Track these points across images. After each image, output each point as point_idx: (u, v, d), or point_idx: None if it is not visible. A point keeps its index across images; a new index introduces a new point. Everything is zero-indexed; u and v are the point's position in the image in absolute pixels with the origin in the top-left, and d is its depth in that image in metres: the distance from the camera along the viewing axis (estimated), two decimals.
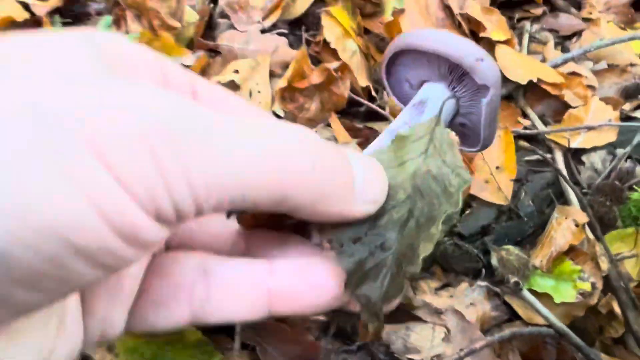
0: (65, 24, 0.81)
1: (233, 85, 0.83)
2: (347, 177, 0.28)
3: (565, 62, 0.98)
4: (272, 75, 0.87)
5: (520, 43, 1.07)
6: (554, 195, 0.81)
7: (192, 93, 0.30)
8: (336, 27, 0.90)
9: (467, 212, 0.79)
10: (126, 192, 0.20)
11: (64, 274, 0.21)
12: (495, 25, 1.01)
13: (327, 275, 0.30)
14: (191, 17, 0.93)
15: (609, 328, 0.69)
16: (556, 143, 0.87)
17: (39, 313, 0.24)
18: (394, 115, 0.79)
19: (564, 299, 0.69)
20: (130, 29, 0.84)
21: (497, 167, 0.81)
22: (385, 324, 0.67)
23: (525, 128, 0.91)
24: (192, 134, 0.22)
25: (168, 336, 0.60)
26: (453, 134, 0.39)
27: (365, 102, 0.88)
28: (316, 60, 0.91)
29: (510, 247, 0.74)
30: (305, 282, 0.30)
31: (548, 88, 0.94)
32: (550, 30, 1.11)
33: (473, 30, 1.01)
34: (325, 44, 0.89)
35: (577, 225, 0.74)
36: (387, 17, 0.99)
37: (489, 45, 1.00)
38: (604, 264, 0.70)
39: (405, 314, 0.69)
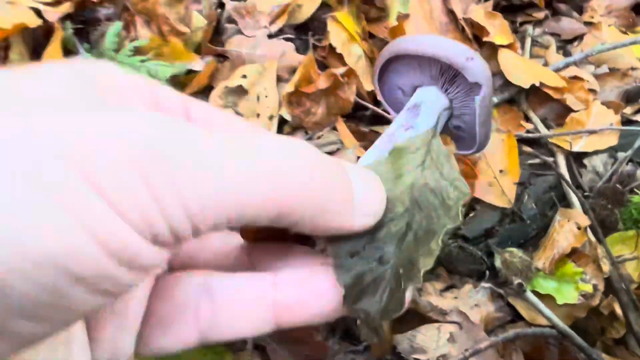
0: (76, 30, 0.82)
1: (241, 90, 0.85)
2: (346, 190, 0.28)
3: (567, 66, 0.99)
4: (279, 79, 0.88)
5: (522, 47, 1.08)
6: (556, 199, 0.82)
7: (185, 114, 0.30)
8: (342, 32, 0.92)
9: (471, 214, 0.81)
10: (121, 218, 0.20)
11: (65, 303, 0.20)
12: (498, 30, 1.02)
13: (331, 283, 0.30)
14: (199, 22, 0.94)
15: (610, 329, 0.71)
16: (558, 146, 0.88)
17: (45, 343, 0.24)
18: None
19: (567, 300, 0.70)
20: (139, 35, 0.86)
21: (501, 171, 0.82)
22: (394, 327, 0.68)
23: (528, 132, 0.92)
24: (183, 156, 0.22)
25: None
26: (452, 147, 0.40)
27: (371, 106, 0.89)
28: (322, 65, 0.93)
29: (513, 249, 0.75)
30: (309, 291, 0.30)
31: (550, 92, 0.95)
32: (552, 34, 1.13)
33: (476, 35, 1.02)
34: (331, 48, 0.91)
35: (579, 228, 0.75)
36: (392, 21, 1.01)
37: (492, 50, 1.01)
38: (606, 266, 0.72)
39: (415, 317, 0.71)
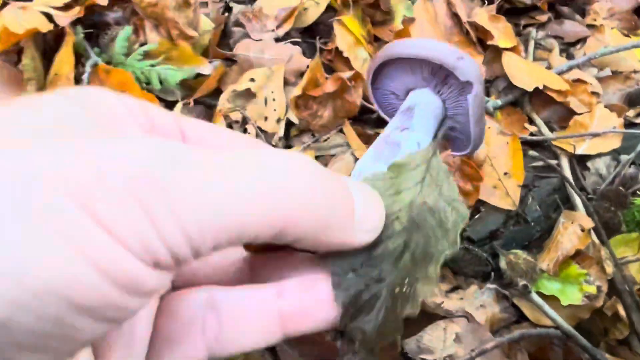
0: (85, 35, 0.83)
1: (249, 94, 0.86)
2: (348, 206, 0.28)
3: (570, 69, 1.01)
4: (286, 83, 0.90)
5: (526, 50, 1.09)
6: (560, 201, 0.83)
7: (180, 133, 0.30)
8: (348, 36, 0.93)
9: (476, 216, 0.82)
10: (122, 245, 0.20)
11: (70, 333, 0.20)
12: (501, 33, 1.03)
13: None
14: (206, 25, 0.95)
15: (613, 330, 0.72)
16: (562, 149, 0.90)
17: None
18: None
19: (571, 301, 0.71)
20: (148, 39, 0.87)
21: (505, 173, 0.83)
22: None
23: (532, 134, 0.93)
24: (180, 180, 0.22)
25: None
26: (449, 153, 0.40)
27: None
28: (328, 68, 0.94)
29: (518, 251, 0.76)
30: (314, 298, 0.30)
31: (554, 95, 0.96)
32: (555, 37, 1.14)
33: (480, 38, 1.03)
34: (338, 52, 0.92)
35: (583, 230, 0.76)
36: (397, 24, 1.02)
37: (496, 53, 1.02)
38: (609, 268, 0.73)
39: (422, 317, 0.72)
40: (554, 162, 0.87)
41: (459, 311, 0.73)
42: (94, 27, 0.89)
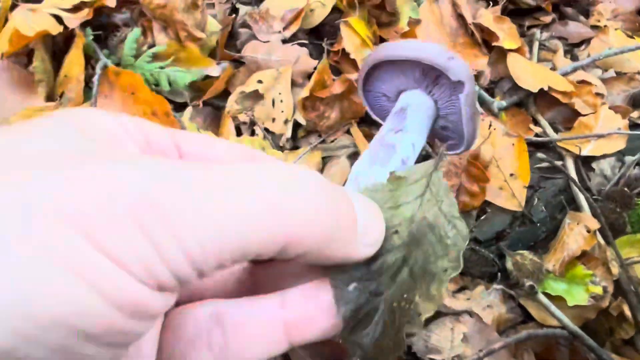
0: (95, 37, 0.84)
1: (257, 95, 0.87)
2: (351, 219, 0.28)
3: (574, 70, 1.01)
4: (294, 84, 0.90)
5: (530, 51, 1.10)
6: (565, 202, 0.84)
7: (175, 148, 0.30)
8: (355, 37, 0.93)
9: (483, 217, 0.82)
10: (125, 271, 0.20)
11: None
12: (506, 34, 1.04)
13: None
14: (213, 26, 0.96)
15: (619, 330, 0.73)
16: (567, 150, 0.90)
17: None
18: None
19: (577, 302, 0.72)
20: (156, 40, 0.87)
21: (511, 175, 0.84)
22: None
23: (537, 135, 0.94)
24: (179, 202, 0.21)
25: None
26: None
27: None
28: (335, 69, 0.94)
29: (524, 252, 0.77)
30: (318, 306, 0.29)
31: (558, 96, 0.97)
32: (559, 38, 1.14)
33: (485, 39, 1.04)
34: (344, 53, 0.92)
35: (588, 231, 0.77)
36: (402, 25, 1.02)
37: (501, 54, 1.03)
38: (615, 269, 0.74)
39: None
40: (559, 163, 0.88)
41: (466, 311, 0.74)
42: (102, 29, 0.89)
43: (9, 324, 0.18)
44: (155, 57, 0.83)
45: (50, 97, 0.79)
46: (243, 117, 0.85)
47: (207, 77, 0.86)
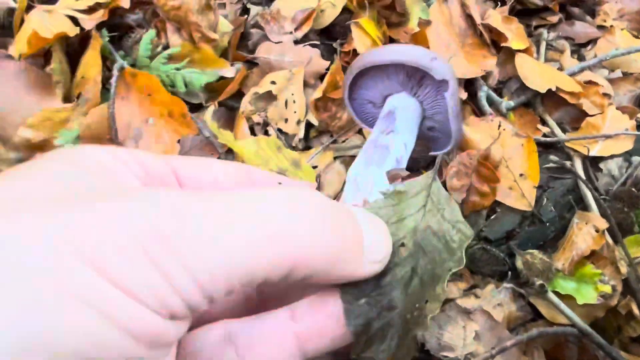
0: (110, 38, 0.85)
1: (270, 96, 0.88)
2: (357, 237, 0.29)
3: (582, 70, 1.02)
4: (306, 85, 0.91)
5: (537, 51, 1.11)
6: (573, 201, 0.85)
7: (173, 174, 0.31)
8: (365, 38, 0.94)
9: (493, 217, 0.84)
10: (138, 303, 0.21)
11: None
12: (514, 34, 1.05)
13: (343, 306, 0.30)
14: (224, 27, 0.97)
15: (627, 327, 0.74)
16: (575, 150, 0.91)
17: None
18: None
19: (586, 300, 0.74)
20: (170, 41, 0.88)
21: (521, 175, 0.85)
22: None
23: (545, 135, 0.95)
24: (186, 233, 0.22)
25: None
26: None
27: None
28: (345, 70, 0.95)
29: (534, 251, 0.79)
30: (327, 317, 0.30)
31: (566, 96, 0.98)
32: (566, 38, 1.15)
33: (494, 40, 1.05)
34: (355, 54, 0.93)
35: (597, 231, 0.78)
36: (412, 26, 1.03)
37: (509, 54, 1.04)
38: (623, 268, 0.75)
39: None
40: (567, 163, 0.89)
41: (477, 309, 0.76)
42: (115, 30, 0.90)
43: (32, 357, 0.19)
44: (170, 59, 0.84)
45: (67, 99, 0.80)
46: (257, 118, 0.86)
47: (221, 78, 0.87)
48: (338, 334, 0.30)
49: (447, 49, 0.97)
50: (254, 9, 1.02)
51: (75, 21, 0.83)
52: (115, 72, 0.78)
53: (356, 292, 0.30)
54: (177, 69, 0.82)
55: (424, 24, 0.96)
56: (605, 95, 1.00)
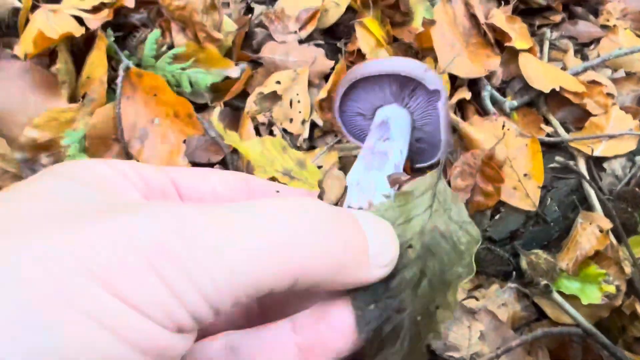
0: (115, 38, 0.85)
1: (275, 96, 0.88)
2: (361, 243, 0.28)
3: (585, 70, 1.02)
4: (310, 85, 0.91)
5: (541, 51, 1.11)
6: (577, 201, 0.86)
7: (172, 185, 0.32)
8: (370, 38, 0.95)
9: (497, 217, 0.84)
10: (147, 318, 0.21)
11: None
12: (518, 34, 1.05)
13: (347, 313, 0.30)
14: (228, 26, 0.97)
15: (631, 327, 0.75)
16: (579, 150, 0.92)
17: None
18: None
19: (591, 300, 0.74)
20: (175, 41, 0.88)
21: (525, 175, 0.86)
22: None
23: (548, 135, 0.95)
24: (192, 247, 0.22)
25: None
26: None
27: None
28: None
29: (539, 251, 0.79)
30: (329, 327, 0.30)
31: (570, 96, 0.98)
32: (569, 38, 1.15)
33: (498, 39, 1.05)
34: (360, 54, 0.93)
35: (601, 231, 0.79)
36: (416, 25, 1.03)
37: (512, 54, 1.04)
38: (628, 268, 0.75)
39: None
40: (571, 162, 0.89)
41: (482, 309, 0.76)
42: (120, 29, 0.90)
43: None
44: (175, 58, 0.84)
45: (72, 99, 0.80)
46: (261, 118, 0.86)
47: (226, 77, 0.87)
48: (342, 345, 0.30)
49: (451, 49, 0.97)
50: (258, 8, 1.02)
51: (80, 21, 0.83)
52: (121, 72, 0.78)
53: (366, 297, 0.30)
54: (183, 69, 0.82)
55: (429, 23, 0.96)
56: (609, 95, 1.00)
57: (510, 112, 0.98)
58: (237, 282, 0.23)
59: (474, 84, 0.99)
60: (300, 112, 0.88)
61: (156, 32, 0.84)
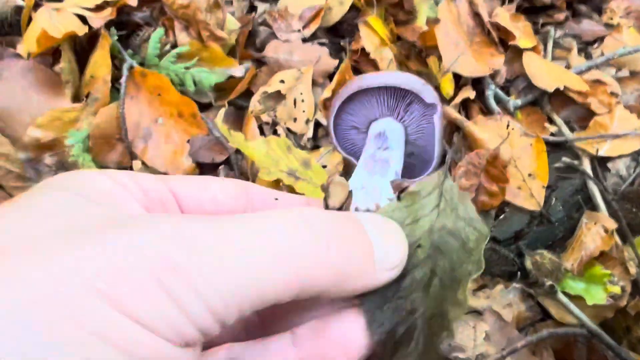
0: (118, 37, 0.84)
1: (279, 95, 0.87)
2: (366, 248, 0.28)
3: (589, 69, 1.02)
4: (314, 84, 0.91)
5: (545, 49, 1.10)
6: (582, 201, 0.86)
7: (172, 195, 0.32)
8: (374, 37, 0.94)
9: (502, 217, 0.84)
10: (154, 334, 0.22)
11: None
12: (522, 32, 1.05)
13: (348, 327, 0.30)
14: (232, 25, 0.96)
15: (636, 328, 0.75)
16: (583, 150, 0.91)
17: None
18: None
19: (596, 301, 0.74)
20: (178, 39, 0.88)
21: (530, 175, 0.85)
22: None
23: (552, 134, 0.95)
24: (197, 261, 0.23)
25: None
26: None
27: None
28: (354, 69, 0.95)
29: (544, 251, 0.79)
30: (329, 340, 0.29)
31: (574, 95, 0.98)
32: (573, 36, 1.15)
33: (501, 38, 1.04)
34: (364, 53, 0.93)
35: (606, 231, 0.79)
36: (420, 24, 1.03)
37: (516, 52, 1.04)
38: (633, 268, 0.75)
39: None
40: (575, 162, 0.89)
41: (487, 309, 0.76)
42: (122, 28, 0.90)
43: None
44: (179, 57, 0.84)
45: (76, 98, 0.80)
46: (265, 117, 0.86)
47: (230, 77, 0.87)
48: (342, 358, 0.29)
49: (455, 47, 0.96)
50: (261, 6, 1.02)
51: (83, 19, 0.82)
52: (124, 72, 0.78)
53: (377, 299, 0.30)
54: (187, 68, 0.82)
55: (433, 22, 0.96)
56: (613, 94, 1.00)
57: (514, 111, 0.97)
58: (243, 294, 0.23)
59: (477, 83, 0.99)
60: (304, 111, 0.88)
61: (159, 30, 0.83)
